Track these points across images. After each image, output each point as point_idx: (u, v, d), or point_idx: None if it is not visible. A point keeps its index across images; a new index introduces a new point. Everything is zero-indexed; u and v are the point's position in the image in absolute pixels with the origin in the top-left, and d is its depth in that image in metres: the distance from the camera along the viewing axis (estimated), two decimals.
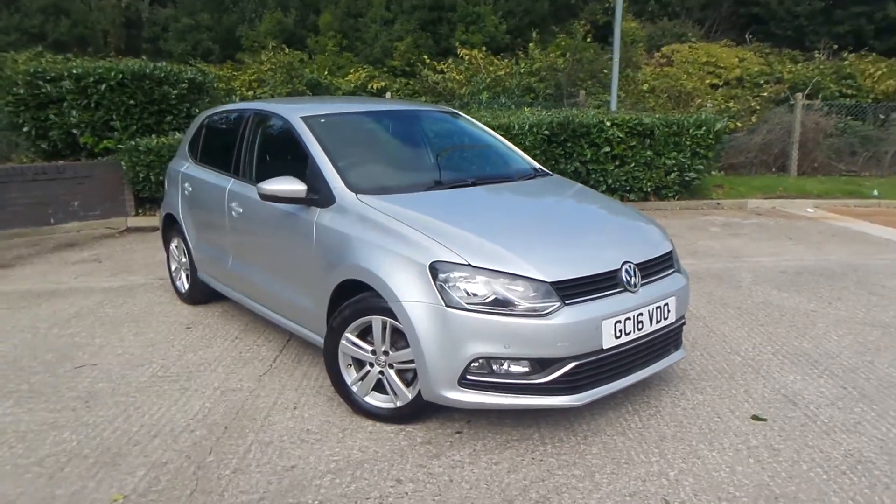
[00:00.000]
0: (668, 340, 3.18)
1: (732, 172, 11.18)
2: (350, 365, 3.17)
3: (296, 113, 3.78)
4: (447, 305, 2.71)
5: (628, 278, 2.94)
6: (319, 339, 3.44)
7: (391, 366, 3.02)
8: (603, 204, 3.67)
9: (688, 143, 8.92)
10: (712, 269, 5.82)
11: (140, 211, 8.84)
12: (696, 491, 2.56)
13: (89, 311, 4.90)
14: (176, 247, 5.08)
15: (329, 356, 3.18)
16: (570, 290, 2.76)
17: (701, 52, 15.38)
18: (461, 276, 2.74)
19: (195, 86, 9.35)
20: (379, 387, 3.11)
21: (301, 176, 3.41)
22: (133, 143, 8.32)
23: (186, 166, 4.84)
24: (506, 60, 13.09)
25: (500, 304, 2.71)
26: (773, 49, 19.32)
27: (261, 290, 3.87)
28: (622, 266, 2.94)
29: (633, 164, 8.92)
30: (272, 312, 3.84)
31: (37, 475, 2.75)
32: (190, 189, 4.64)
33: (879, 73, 12.85)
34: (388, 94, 10.88)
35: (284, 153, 3.85)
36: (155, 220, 8.61)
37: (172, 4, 24.07)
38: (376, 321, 2.98)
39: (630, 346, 2.91)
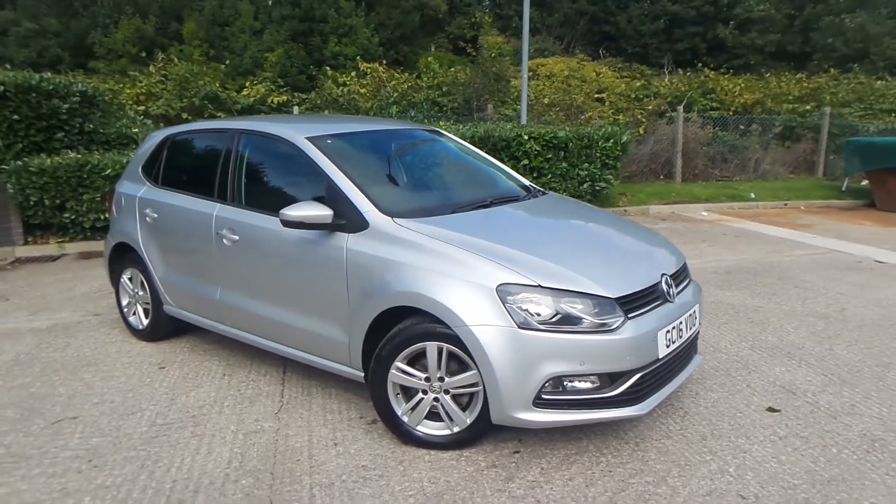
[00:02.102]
0: (692, 346, 3.39)
1: (627, 181, 12.00)
2: (398, 394, 3.07)
3: (299, 133, 3.60)
4: (520, 327, 2.72)
5: (667, 289, 3.11)
6: (348, 370, 3.30)
7: (446, 392, 2.97)
8: (613, 219, 3.84)
9: (598, 154, 9.48)
10: None
11: (30, 239, 7.91)
12: (761, 483, 2.76)
13: (31, 357, 4.32)
14: (129, 279, 4.62)
15: (377, 387, 3.06)
16: (629, 305, 2.87)
17: (563, 65, 16.46)
18: (528, 297, 2.77)
19: (86, 99, 8.57)
20: (429, 414, 3.05)
21: (313, 200, 3.26)
22: (21, 163, 7.46)
23: (144, 190, 4.42)
24: (406, 74, 13.16)
25: (568, 322, 2.76)
26: (624, 63, 21.22)
27: (266, 323, 3.63)
28: (661, 278, 3.11)
29: (549, 176, 9.34)
30: (281, 346, 3.62)
31: None
32: (155, 216, 4.25)
33: (738, 87, 14.40)
34: (296, 110, 10.53)
35: (288, 176, 3.66)
36: (50, 249, 7.80)
37: (12, 7, 21.84)
38: (431, 347, 2.92)
39: (674, 353, 3.08)
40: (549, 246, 3.15)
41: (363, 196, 3.24)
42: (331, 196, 3.30)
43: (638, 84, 14.40)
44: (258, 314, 3.66)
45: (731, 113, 14.05)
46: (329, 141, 3.61)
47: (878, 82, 16.11)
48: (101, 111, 9.11)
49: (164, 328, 4.50)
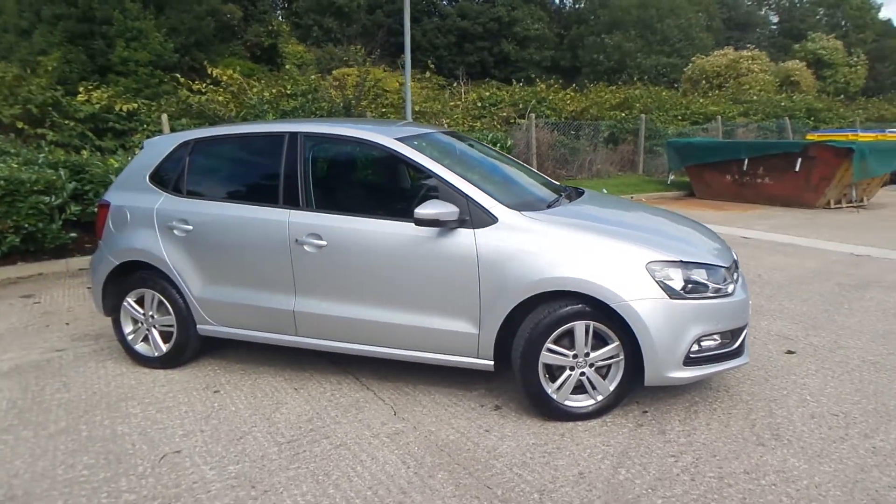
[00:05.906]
0: None
1: None
2: (545, 375, 3.29)
3: (387, 135, 3.61)
4: (670, 297, 3.13)
5: (737, 261, 3.73)
6: (475, 362, 3.43)
7: (591, 365, 3.27)
8: (659, 209, 4.41)
9: None
10: None
11: None
12: (836, 404, 3.49)
13: (34, 402, 3.69)
14: (135, 302, 4.13)
15: (527, 368, 3.25)
16: (731, 273, 3.43)
17: (370, 76, 17.01)
18: (669, 272, 3.19)
19: None
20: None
21: (409, 198, 3.35)
22: None
23: (162, 201, 4.00)
24: (263, 82, 12.71)
25: (697, 290, 3.23)
26: (422, 74, 22.62)
27: (365, 326, 3.56)
28: (733, 252, 3.73)
29: None
30: (382, 347, 3.59)
31: None
32: (188, 228, 3.87)
33: (567, 97, 16.15)
34: (164, 118, 9.60)
35: (379, 177, 3.65)
36: None
37: None
38: (579, 326, 3.21)
39: None
40: (650, 229, 3.60)
41: (483, 193, 3.40)
42: (445, 194, 3.39)
43: (487, 93, 15.47)
44: (356, 318, 3.58)
45: (563, 119, 15.70)
46: (416, 143, 3.67)
47: (665, 92, 19.09)
48: None
49: (191, 351, 4.11)
